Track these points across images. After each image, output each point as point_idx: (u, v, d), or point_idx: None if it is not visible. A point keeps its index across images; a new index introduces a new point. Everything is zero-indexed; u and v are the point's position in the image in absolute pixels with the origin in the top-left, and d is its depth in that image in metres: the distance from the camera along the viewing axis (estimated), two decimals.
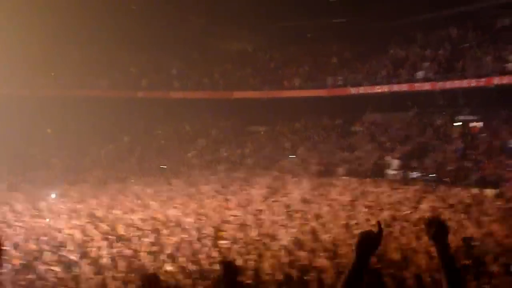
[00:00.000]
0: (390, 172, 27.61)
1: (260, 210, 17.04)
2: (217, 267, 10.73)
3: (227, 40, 47.62)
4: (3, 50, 36.55)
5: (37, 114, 36.83)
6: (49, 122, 39.91)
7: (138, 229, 15.40)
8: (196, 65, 45.42)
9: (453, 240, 11.33)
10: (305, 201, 19.08)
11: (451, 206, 16.10)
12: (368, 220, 14.16)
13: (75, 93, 40.11)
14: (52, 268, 11.86)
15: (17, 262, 12.74)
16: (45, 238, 14.77)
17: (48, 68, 40.35)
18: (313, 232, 13.00)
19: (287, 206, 17.71)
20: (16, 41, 37.33)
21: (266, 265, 10.35)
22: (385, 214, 14.92)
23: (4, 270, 11.70)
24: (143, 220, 16.71)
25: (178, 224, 15.60)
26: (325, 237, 12.23)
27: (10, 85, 38.08)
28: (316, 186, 23.48)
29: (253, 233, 13.60)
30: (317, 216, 15.47)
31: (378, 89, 35.14)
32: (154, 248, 12.97)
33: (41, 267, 12.01)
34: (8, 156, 33.80)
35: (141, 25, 42.08)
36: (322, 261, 9.72)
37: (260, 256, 11.02)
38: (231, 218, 16.14)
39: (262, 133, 40.83)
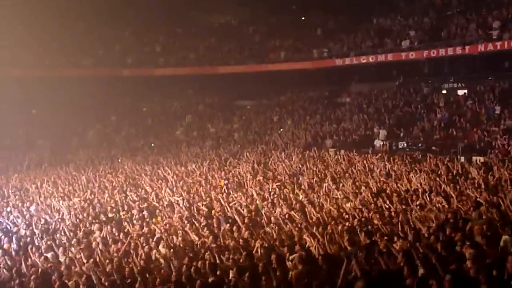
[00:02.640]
0: (378, 143, 27.75)
1: (249, 186, 17.09)
2: (207, 246, 10.85)
3: (211, 14, 47.17)
4: None
5: (21, 94, 36.38)
6: (33, 103, 39.50)
7: (129, 210, 15.41)
8: (180, 40, 45.03)
9: (442, 211, 11.52)
10: (293, 175, 19.16)
11: (439, 176, 16.23)
12: (356, 193, 14.27)
13: (60, 72, 39.65)
14: (44, 253, 11.87)
15: (8, 247, 12.76)
16: (35, 222, 14.75)
17: (31, 47, 39.75)
18: (302, 207, 13.10)
19: (276, 181, 17.78)
20: None
21: (257, 244, 10.43)
22: (374, 187, 15.01)
23: None
24: (133, 200, 16.70)
25: (169, 203, 15.62)
26: (314, 212, 12.32)
27: None
28: (304, 159, 23.56)
29: (243, 210, 13.67)
30: (306, 191, 15.56)
31: (363, 59, 35.16)
32: (145, 229, 13.01)
33: (33, 253, 12.01)
34: None
35: (123, 0, 41.49)
36: (310, 238, 9.80)
37: (251, 234, 11.10)
38: (222, 196, 16.18)
39: (249, 107, 40.80)
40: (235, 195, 16.09)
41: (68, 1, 39.34)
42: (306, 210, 12.73)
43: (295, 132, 32.57)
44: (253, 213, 13.38)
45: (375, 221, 11.19)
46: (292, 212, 12.62)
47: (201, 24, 47.08)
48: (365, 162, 20.58)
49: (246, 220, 12.45)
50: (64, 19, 40.74)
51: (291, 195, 14.90)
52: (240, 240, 10.78)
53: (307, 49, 39.69)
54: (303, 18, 44.71)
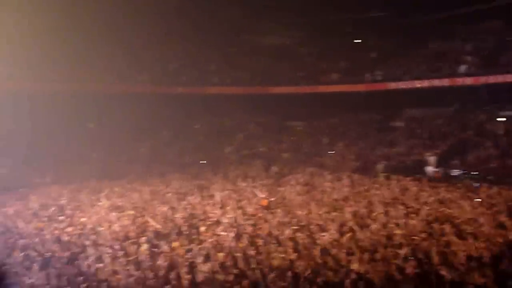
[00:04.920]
0: (431, 169, 27.13)
1: (297, 208, 16.97)
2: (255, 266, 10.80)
3: (264, 35, 47.53)
4: (43, 44, 37.40)
5: (78, 109, 37.51)
6: (89, 117, 40.60)
7: (177, 225, 15.55)
8: (233, 60, 45.52)
9: (497, 243, 11.10)
10: (342, 199, 18.92)
11: (494, 206, 15.71)
12: (407, 220, 13.95)
13: (115, 88, 40.69)
14: (94, 263, 12.10)
15: (61, 256, 13.06)
16: (87, 233, 15.09)
17: (88, 63, 41.01)
18: (351, 232, 12.89)
19: (325, 204, 17.62)
20: (56, 36, 38.12)
21: (303, 265, 10.31)
22: (425, 214, 14.63)
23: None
24: (182, 216, 16.85)
25: (216, 221, 15.69)
26: (363, 238, 12.10)
27: (50, 79, 38.89)
28: (354, 183, 23.26)
29: (289, 231, 13.57)
30: (355, 215, 15.32)
31: (418, 84, 34.55)
32: (192, 245, 13.08)
33: (84, 262, 12.26)
34: (52, 151, 34.59)
35: (180, 20, 42.38)
36: (358, 264, 9.62)
37: (297, 256, 10.99)
38: (268, 216, 16.14)
39: (299, 128, 40.70)
40: (282, 215, 16.01)
41: (125, 17, 40.51)
42: (355, 234, 12.54)
43: (346, 155, 32.23)
44: (299, 234, 13.27)
45: (426, 250, 10.91)
46: (340, 236, 12.46)
47: (254, 45, 47.52)
48: (416, 188, 20.14)
49: (292, 241, 12.37)
50: (123, 37, 41.91)
51: (339, 219, 14.71)
52: (286, 261, 10.70)
53: (360, 72, 39.40)
54: (357, 41, 44.54)
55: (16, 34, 36.79)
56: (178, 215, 17.02)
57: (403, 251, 10.73)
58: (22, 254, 13.00)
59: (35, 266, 11.85)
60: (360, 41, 44.48)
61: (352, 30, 43.89)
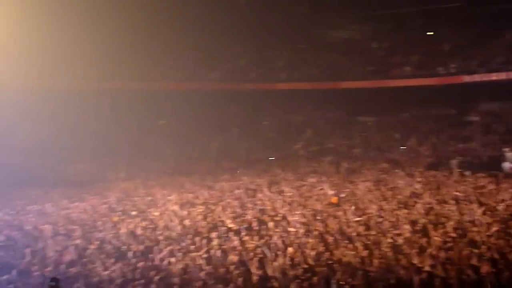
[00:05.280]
0: (508, 165, 26.08)
1: (368, 205, 16.76)
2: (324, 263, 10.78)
3: (334, 29, 47.11)
4: (117, 44, 38.81)
5: (150, 106, 38.71)
6: (161, 114, 41.71)
7: (247, 221, 15.71)
8: (302, 55, 45.34)
9: None
10: (415, 195, 18.51)
11: None
12: (482, 218, 13.47)
13: (186, 86, 41.61)
14: (166, 258, 12.43)
15: (135, 249, 13.50)
16: (160, 227, 15.51)
17: (159, 62, 42.15)
18: (424, 230, 12.59)
19: (396, 201, 17.29)
20: (128, 36, 39.44)
21: (374, 263, 10.19)
22: (503, 212, 14.08)
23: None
24: (251, 212, 17.02)
25: (286, 217, 15.74)
26: (436, 236, 11.80)
27: (124, 78, 40.27)
28: (427, 179, 22.69)
29: (360, 229, 13.43)
30: (428, 213, 14.95)
31: (494, 76, 33.25)
32: (262, 241, 13.18)
33: (157, 256, 12.62)
34: (126, 147, 35.81)
35: (249, 16, 42.76)
36: (430, 262, 9.39)
37: (369, 254, 10.86)
38: (338, 213, 16.02)
39: (369, 123, 40.03)
40: (352, 212, 15.85)
41: (194, 16, 41.33)
42: (428, 232, 12.25)
43: (418, 150, 31.47)
44: (369, 231, 13.11)
45: (502, 249, 10.52)
46: (412, 234, 12.21)
47: (323, 40, 47.13)
48: (493, 185, 19.41)
49: (362, 238, 12.24)
50: (194, 35, 42.78)
51: (411, 216, 14.40)
52: (357, 258, 10.61)
53: (433, 65, 38.29)
54: (429, 33, 43.29)
55: (89, 35, 38.43)
56: (248, 211, 17.21)
57: (478, 250, 10.38)
58: (99, 247, 13.54)
59: (111, 259, 12.31)
60: (432, 33, 43.19)
61: (424, 22, 42.72)
